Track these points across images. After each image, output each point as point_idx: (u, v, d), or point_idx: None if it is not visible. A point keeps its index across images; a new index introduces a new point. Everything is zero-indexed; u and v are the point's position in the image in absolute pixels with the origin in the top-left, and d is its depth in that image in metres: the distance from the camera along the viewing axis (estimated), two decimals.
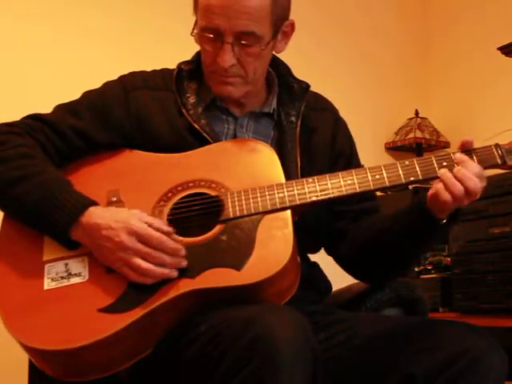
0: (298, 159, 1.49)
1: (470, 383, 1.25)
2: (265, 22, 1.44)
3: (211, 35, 1.44)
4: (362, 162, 1.57)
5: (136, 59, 2.64)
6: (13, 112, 1.58)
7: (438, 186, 1.32)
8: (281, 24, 1.49)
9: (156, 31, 3.00)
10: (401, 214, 1.47)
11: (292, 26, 1.53)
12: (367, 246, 1.52)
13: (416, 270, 3.14)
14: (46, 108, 1.53)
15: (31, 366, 1.41)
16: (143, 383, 1.33)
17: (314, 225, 1.52)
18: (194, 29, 1.49)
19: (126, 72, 1.58)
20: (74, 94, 1.55)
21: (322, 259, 1.63)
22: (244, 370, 1.12)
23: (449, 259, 3.05)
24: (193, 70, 1.56)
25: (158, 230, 1.30)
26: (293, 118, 1.54)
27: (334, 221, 1.57)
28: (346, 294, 1.68)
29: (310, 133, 1.56)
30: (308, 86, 1.58)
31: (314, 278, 1.55)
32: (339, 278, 1.64)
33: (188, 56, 1.59)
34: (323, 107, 1.64)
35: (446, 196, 1.30)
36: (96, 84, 1.56)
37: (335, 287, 1.65)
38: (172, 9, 2.98)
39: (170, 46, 2.88)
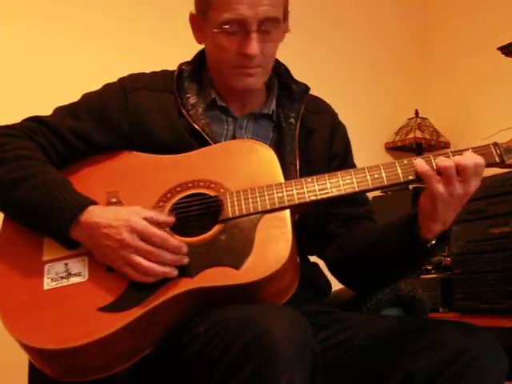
0: (297, 161, 1.50)
1: (469, 383, 1.25)
2: (281, 6, 1.48)
3: (234, 27, 1.44)
4: (362, 161, 1.56)
5: (136, 60, 2.65)
6: (13, 112, 1.58)
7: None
8: (287, 8, 1.52)
9: (156, 32, 3.00)
10: (391, 229, 1.46)
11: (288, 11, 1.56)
12: (354, 256, 1.51)
13: None
14: (46, 109, 1.53)
15: (31, 366, 1.41)
16: (142, 383, 1.33)
17: (314, 226, 1.52)
18: (197, 28, 1.50)
19: (125, 72, 1.59)
20: (73, 95, 1.55)
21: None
22: (243, 370, 1.12)
23: (449, 259, 3.05)
24: (193, 71, 1.56)
25: (159, 222, 1.30)
26: (292, 120, 1.55)
27: (325, 223, 1.57)
28: (345, 294, 1.68)
29: (309, 135, 1.57)
30: (307, 88, 1.59)
31: (313, 278, 1.55)
32: None
33: (188, 57, 1.60)
34: (322, 110, 1.65)
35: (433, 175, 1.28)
36: (96, 85, 1.56)
37: (335, 287, 1.65)
38: (172, 9, 2.97)
39: (170, 46, 2.88)
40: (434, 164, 1.32)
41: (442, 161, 1.30)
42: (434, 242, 1.37)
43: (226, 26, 1.44)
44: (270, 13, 1.44)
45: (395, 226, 1.43)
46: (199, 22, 1.51)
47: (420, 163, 1.31)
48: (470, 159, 1.30)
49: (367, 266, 1.49)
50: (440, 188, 1.29)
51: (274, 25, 1.46)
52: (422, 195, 1.34)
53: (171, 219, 1.33)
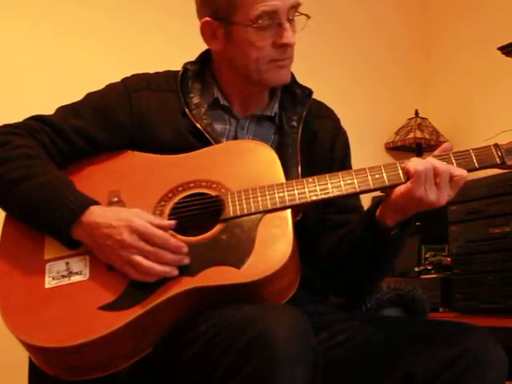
0: (299, 164, 1.50)
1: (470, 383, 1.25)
2: None
3: (267, 21, 1.44)
4: (362, 161, 1.56)
5: (136, 60, 2.66)
6: (13, 113, 1.58)
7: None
8: None
9: (156, 32, 3.00)
10: (356, 222, 1.47)
11: None
12: (329, 259, 1.51)
13: (416, 269, 3.14)
14: (47, 109, 1.53)
15: (31, 366, 1.41)
16: (143, 383, 1.33)
17: (314, 228, 1.52)
18: (214, 33, 1.49)
19: (126, 73, 1.59)
20: (74, 95, 1.55)
21: None
22: (244, 370, 1.12)
23: (449, 259, 3.05)
24: (197, 71, 1.56)
25: (158, 226, 1.30)
26: (294, 123, 1.55)
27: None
28: None
29: (311, 138, 1.57)
30: (311, 92, 1.59)
31: (312, 278, 1.55)
32: None
33: (188, 58, 1.60)
34: (325, 115, 1.65)
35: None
36: (96, 85, 1.56)
37: None
38: (174, 9, 2.98)
39: (170, 46, 2.89)
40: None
41: (426, 162, 1.31)
42: (396, 230, 1.38)
43: (260, 21, 1.44)
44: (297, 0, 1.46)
45: (360, 218, 1.46)
46: (215, 28, 1.49)
47: (415, 164, 1.31)
48: (444, 165, 1.31)
49: (341, 263, 1.48)
50: (422, 190, 1.30)
51: (296, 11, 1.48)
52: (395, 191, 1.33)
53: (172, 223, 1.33)
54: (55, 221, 1.31)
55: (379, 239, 1.39)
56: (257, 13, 1.43)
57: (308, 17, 1.50)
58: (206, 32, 1.51)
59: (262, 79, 1.50)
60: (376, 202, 1.40)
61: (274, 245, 1.29)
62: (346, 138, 1.66)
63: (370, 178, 1.35)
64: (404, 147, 3.64)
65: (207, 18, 1.49)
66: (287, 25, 1.45)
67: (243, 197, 1.34)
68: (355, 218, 1.53)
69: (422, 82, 3.85)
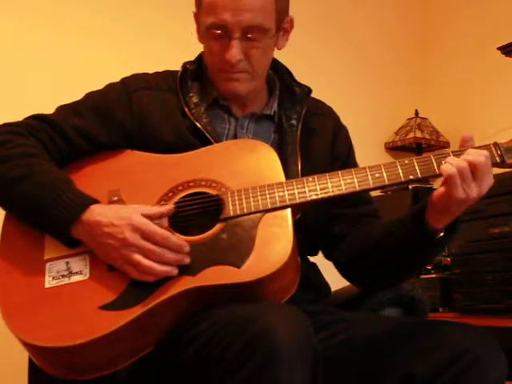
0: (299, 162, 1.50)
1: None
2: (270, 15, 1.46)
3: (218, 31, 1.44)
4: (362, 161, 1.57)
5: (137, 60, 2.66)
6: (13, 112, 1.58)
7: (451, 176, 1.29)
8: (283, 18, 1.51)
9: (157, 32, 3.00)
10: (398, 224, 1.46)
11: (291, 22, 1.55)
12: (363, 254, 1.52)
13: None
14: (47, 109, 1.53)
15: (31, 367, 1.41)
16: (143, 383, 1.33)
17: (314, 227, 1.53)
18: (198, 28, 1.50)
19: (126, 73, 1.59)
20: (74, 95, 1.55)
21: (321, 261, 1.63)
22: (244, 368, 1.12)
23: (449, 259, 3.05)
24: (196, 71, 1.57)
25: (157, 213, 1.31)
26: (293, 122, 1.55)
27: (331, 224, 1.57)
28: (346, 293, 1.68)
29: (311, 136, 1.57)
30: (310, 90, 1.59)
31: (312, 278, 1.55)
32: (337, 279, 1.64)
33: (188, 57, 1.60)
34: (324, 113, 1.65)
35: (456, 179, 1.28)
36: (97, 85, 1.57)
37: (333, 288, 1.65)
38: (174, 9, 2.98)
39: (171, 47, 2.88)
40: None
41: (459, 161, 1.29)
42: (442, 233, 1.37)
43: (212, 30, 1.45)
44: (254, 21, 1.43)
45: (403, 221, 1.44)
46: (196, 22, 1.53)
47: (447, 166, 1.30)
48: (479, 156, 1.30)
49: (378, 263, 1.49)
50: (460, 191, 1.29)
51: (261, 32, 1.45)
52: (434, 194, 1.33)
53: (171, 207, 1.33)
54: (55, 220, 1.32)
55: (426, 241, 1.38)
56: (208, 22, 1.45)
57: (268, 42, 1.46)
58: (196, 24, 1.54)
59: (216, 85, 1.52)
60: (419, 209, 1.39)
61: (275, 244, 1.29)
62: (347, 134, 1.67)
63: (369, 177, 1.36)
64: (404, 147, 3.64)
65: (194, 10, 1.52)
66: (235, 42, 1.43)
67: (243, 196, 1.35)
68: (368, 208, 1.58)
69: (421, 82, 3.85)
